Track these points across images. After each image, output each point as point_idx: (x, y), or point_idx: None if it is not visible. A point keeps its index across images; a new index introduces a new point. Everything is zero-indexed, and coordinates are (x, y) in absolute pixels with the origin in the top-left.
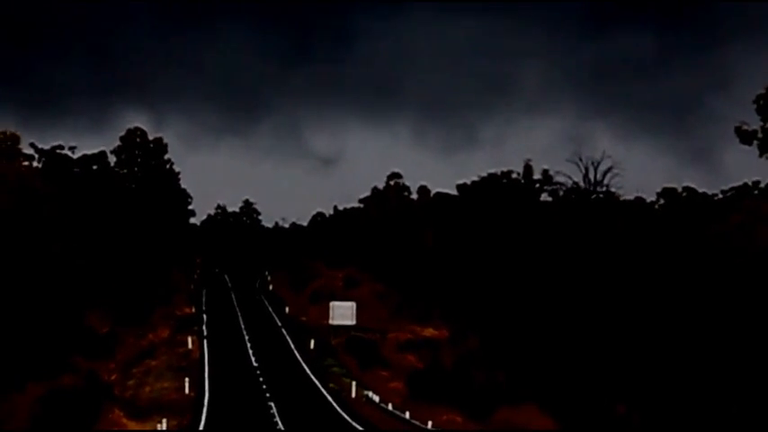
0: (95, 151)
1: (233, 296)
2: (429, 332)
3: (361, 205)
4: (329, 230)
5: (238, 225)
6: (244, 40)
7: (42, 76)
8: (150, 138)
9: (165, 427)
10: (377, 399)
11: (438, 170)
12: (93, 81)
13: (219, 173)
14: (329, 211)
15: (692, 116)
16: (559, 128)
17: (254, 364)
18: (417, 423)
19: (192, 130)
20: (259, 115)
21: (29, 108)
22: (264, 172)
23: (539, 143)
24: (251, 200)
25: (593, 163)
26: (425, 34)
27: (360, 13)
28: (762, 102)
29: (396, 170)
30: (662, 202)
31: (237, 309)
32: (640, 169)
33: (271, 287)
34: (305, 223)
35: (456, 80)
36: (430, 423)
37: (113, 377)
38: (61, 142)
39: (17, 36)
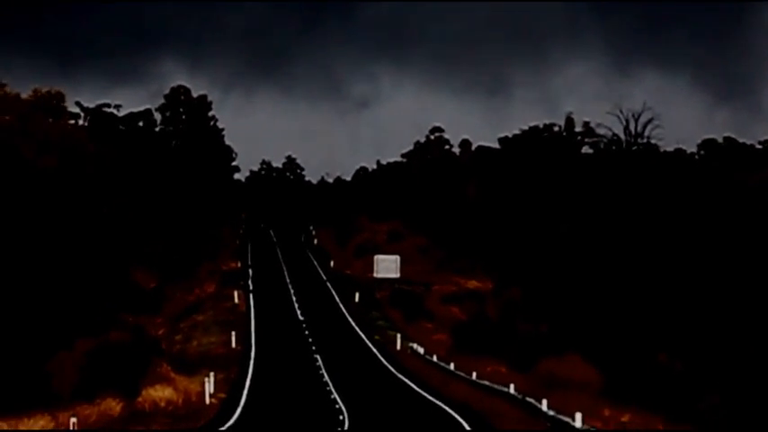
0: (141, 109)
1: (278, 251)
2: (472, 284)
3: (404, 159)
4: (373, 185)
5: (283, 180)
6: None
7: (79, 30)
8: (194, 95)
9: (212, 381)
10: (422, 350)
11: (477, 118)
12: (130, 33)
13: (260, 124)
14: (372, 165)
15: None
16: (598, 74)
17: (300, 318)
18: (462, 374)
19: (228, 80)
20: (292, 61)
21: (70, 63)
22: (303, 119)
23: (578, 92)
24: (293, 155)
25: (633, 115)
26: None
27: None
28: None
29: (437, 124)
30: (702, 153)
31: (283, 263)
32: (681, 115)
33: (315, 241)
34: (348, 177)
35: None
36: (474, 374)
37: (161, 332)
38: (108, 100)
39: None
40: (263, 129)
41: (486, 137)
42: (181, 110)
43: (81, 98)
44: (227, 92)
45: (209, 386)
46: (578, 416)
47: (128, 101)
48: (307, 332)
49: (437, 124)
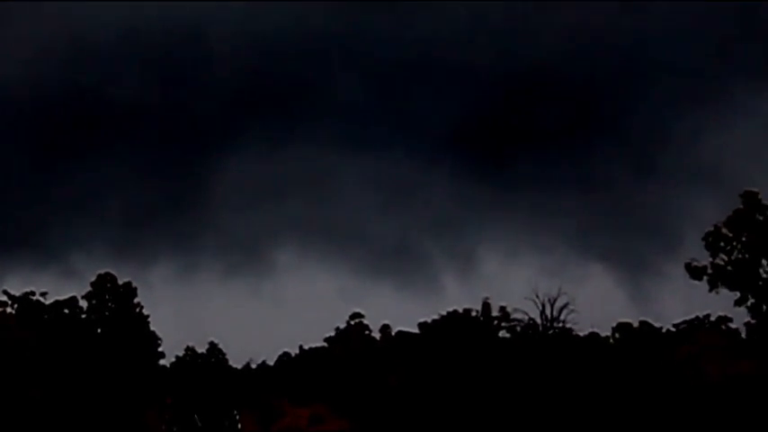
0: (66, 297)
1: None
2: None
3: (326, 344)
4: (295, 369)
5: (207, 366)
6: None
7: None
8: (120, 282)
9: None
10: None
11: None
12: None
13: (186, 309)
14: (295, 350)
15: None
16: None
17: None
18: None
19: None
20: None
21: None
22: (227, 302)
23: (498, 281)
24: (215, 341)
25: (549, 300)
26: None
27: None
28: (710, 239)
29: (357, 310)
30: (617, 336)
31: None
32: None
33: (239, 425)
34: (271, 362)
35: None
36: None
37: None
38: (33, 288)
39: None
40: (188, 314)
41: (407, 322)
42: (107, 297)
43: (9, 286)
44: (156, 278)
45: None
46: None
47: (54, 287)
48: None
49: (357, 310)
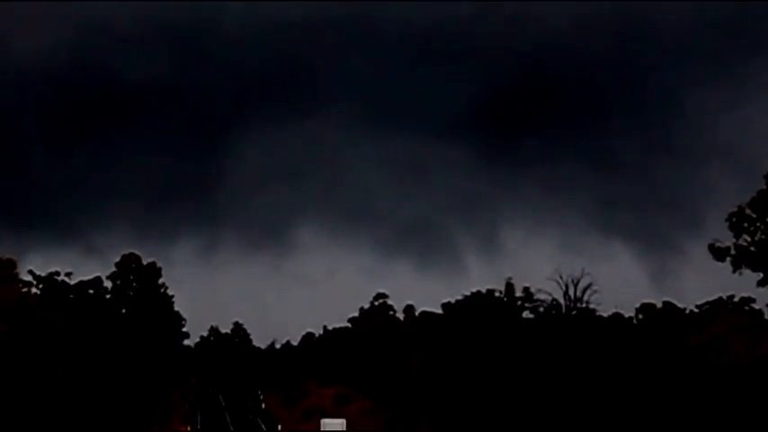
0: (91, 277)
1: (227, 415)
2: None
3: (350, 325)
4: (319, 350)
5: (231, 346)
6: None
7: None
8: (144, 262)
9: None
10: None
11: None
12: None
13: (210, 289)
14: (319, 331)
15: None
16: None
17: None
18: None
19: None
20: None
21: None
22: (252, 285)
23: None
24: (240, 321)
25: (572, 280)
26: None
27: None
28: (734, 219)
29: (381, 290)
30: (640, 317)
31: (231, 427)
32: (619, 280)
33: (263, 405)
34: (296, 342)
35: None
36: None
37: None
38: (58, 268)
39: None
40: (213, 294)
41: (430, 302)
42: (131, 277)
43: (33, 265)
44: (177, 258)
45: None
46: None
47: (79, 267)
48: None
49: (382, 291)
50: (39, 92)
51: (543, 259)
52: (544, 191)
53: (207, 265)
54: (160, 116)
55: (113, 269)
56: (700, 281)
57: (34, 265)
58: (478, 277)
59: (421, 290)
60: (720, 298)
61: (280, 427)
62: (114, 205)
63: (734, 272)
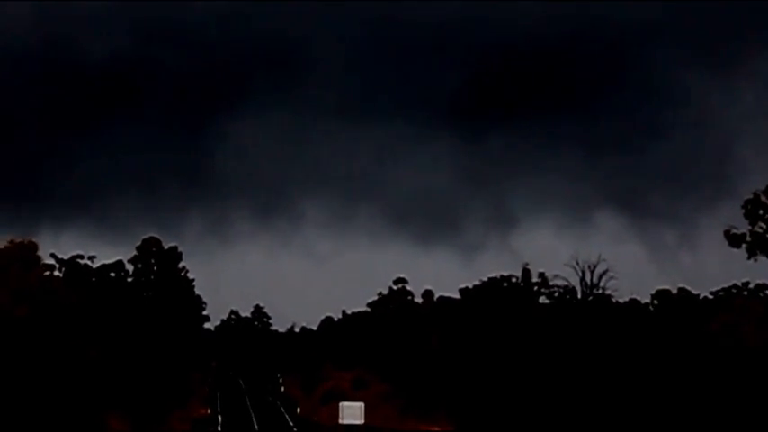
0: (112, 261)
1: (247, 398)
2: (435, 430)
3: (368, 309)
4: (338, 334)
5: (251, 330)
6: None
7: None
8: (165, 247)
9: None
10: None
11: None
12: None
13: (230, 273)
14: (338, 315)
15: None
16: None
17: None
18: None
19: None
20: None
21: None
22: (272, 269)
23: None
24: (261, 305)
25: (589, 266)
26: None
27: None
28: (750, 206)
29: (401, 275)
30: (656, 302)
31: (251, 410)
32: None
33: (283, 389)
34: (315, 327)
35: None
36: None
37: None
38: (81, 251)
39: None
40: (233, 278)
41: (448, 287)
42: (152, 261)
43: (57, 249)
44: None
45: None
46: None
47: (102, 251)
48: None
49: (401, 275)
50: (53, 77)
51: (554, 242)
52: (560, 172)
53: (218, 246)
54: (156, 99)
55: (134, 253)
56: (715, 265)
57: (58, 249)
58: (490, 259)
59: (436, 273)
60: (735, 284)
61: (299, 409)
62: (120, 186)
63: (749, 258)
